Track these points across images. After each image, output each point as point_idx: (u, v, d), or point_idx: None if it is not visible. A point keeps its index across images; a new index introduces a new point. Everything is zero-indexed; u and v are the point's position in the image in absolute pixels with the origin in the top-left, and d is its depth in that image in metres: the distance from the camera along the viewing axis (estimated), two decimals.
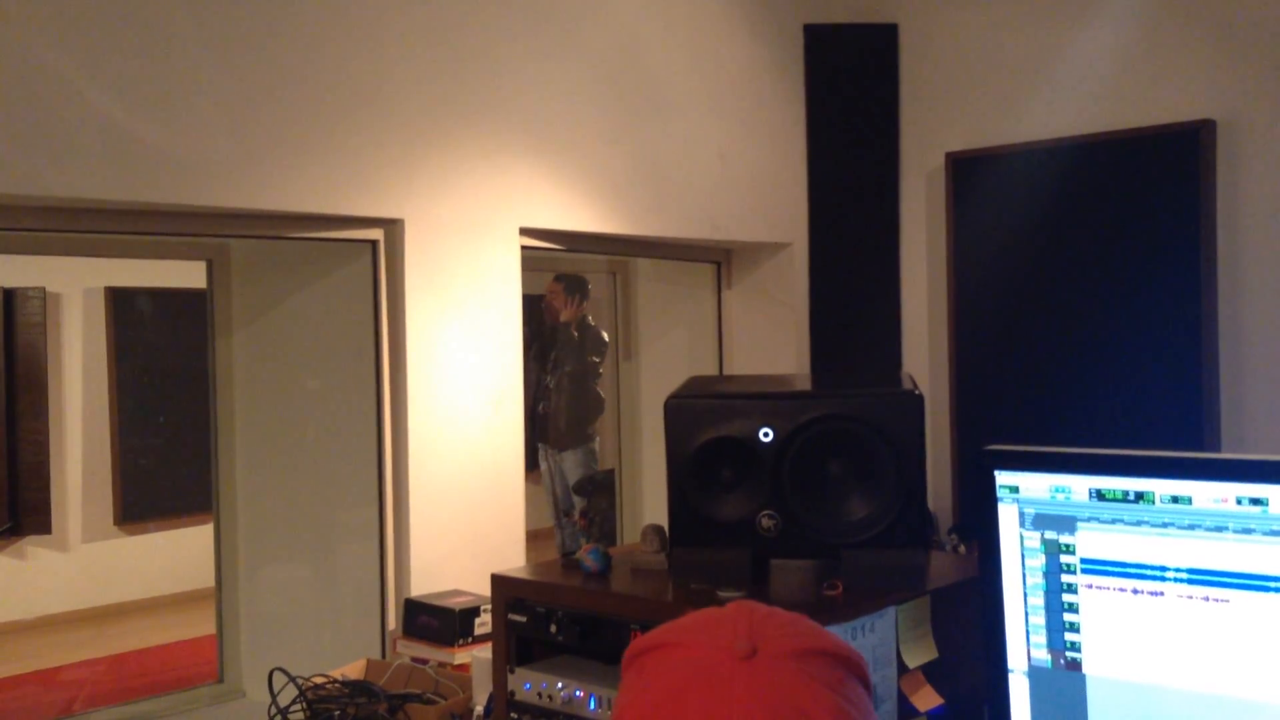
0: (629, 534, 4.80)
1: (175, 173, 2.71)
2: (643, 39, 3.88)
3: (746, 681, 0.93)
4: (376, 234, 3.18)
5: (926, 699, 1.85)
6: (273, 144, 2.88)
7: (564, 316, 6.42)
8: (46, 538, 7.30)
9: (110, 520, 7.58)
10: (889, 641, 1.84)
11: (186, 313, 7.49)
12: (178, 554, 7.53)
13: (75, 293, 7.44)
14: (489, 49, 3.37)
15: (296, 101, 2.93)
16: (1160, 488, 1.44)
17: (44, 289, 7.25)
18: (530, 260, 3.61)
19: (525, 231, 3.49)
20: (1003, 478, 1.56)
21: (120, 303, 7.56)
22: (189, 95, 2.73)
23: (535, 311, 6.67)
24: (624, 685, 1.02)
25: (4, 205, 2.62)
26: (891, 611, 1.85)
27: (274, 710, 2.50)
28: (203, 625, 6.64)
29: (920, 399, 1.94)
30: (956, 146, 4.31)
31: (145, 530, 7.65)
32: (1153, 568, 1.45)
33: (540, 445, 6.58)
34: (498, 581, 2.14)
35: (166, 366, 7.58)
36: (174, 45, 2.71)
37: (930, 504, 4.39)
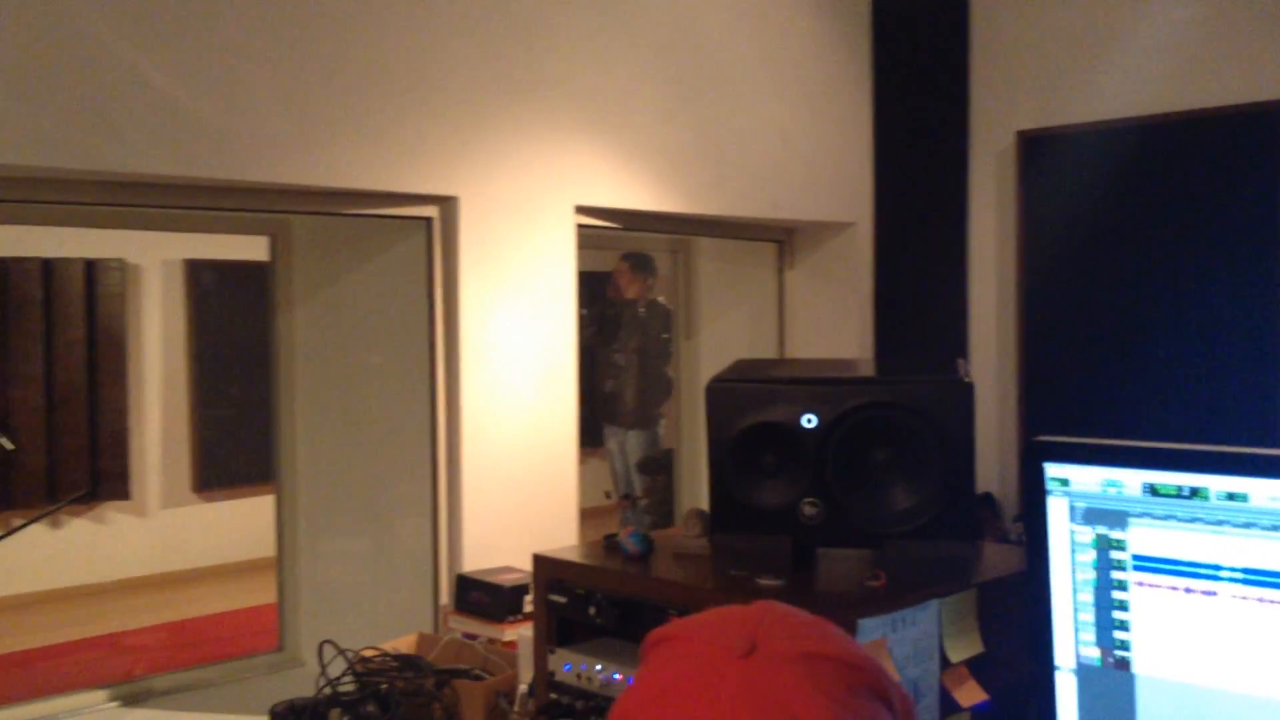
0: None
1: (234, 149, 2.74)
2: (703, 12, 3.83)
3: (738, 680, 0.90)
4: (431, 211, 3.19)
5: (970, 694, 1.81)
6: (330, 120, 2.89)
7: (629, 294, 6.41)
8: (125, 503, 7.49)
9: (188, 487, 7.76)
10: (931, 634, 1.80)
11: (262, 285, 7.61)
12: (250, 522, 7.68)
13: (154, 264, 7.61)
14: (546, 25, 3.35)
15: (354, 79, 2.94)
16: (1216, 484, 1.39)
17: (123, 261, 7.42)
18: (592, 238, 3.59)
19: (581, 210, 3.48)
20: (1053, 470, 1.51)
21: (198, 275, 7.71)
22: (247, 73, 2.76)
23: (599, 289, 6.68)
24: (635, 674, 1.00)
25: (69, 180, 2.67)
26: (934, 604, 1.80)
27: (323, 680, 2.53)
28: (273, 592, 6.78)
29: (970, 387, 1.88)
30: (1028, 125, 4.20)
31: (221, 498, 7.82)
32: (1206, 566, 1.40)
33: (606, 425, 6.59)
34: (539, 561, 2.14)
35: (241, 337, 7.72)
36: (232, 24, 2.73)
37: (996, 492, 4.31)
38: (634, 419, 6.45)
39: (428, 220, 3.18)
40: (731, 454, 1.93)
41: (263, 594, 6.90)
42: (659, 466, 6.03)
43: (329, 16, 2.90)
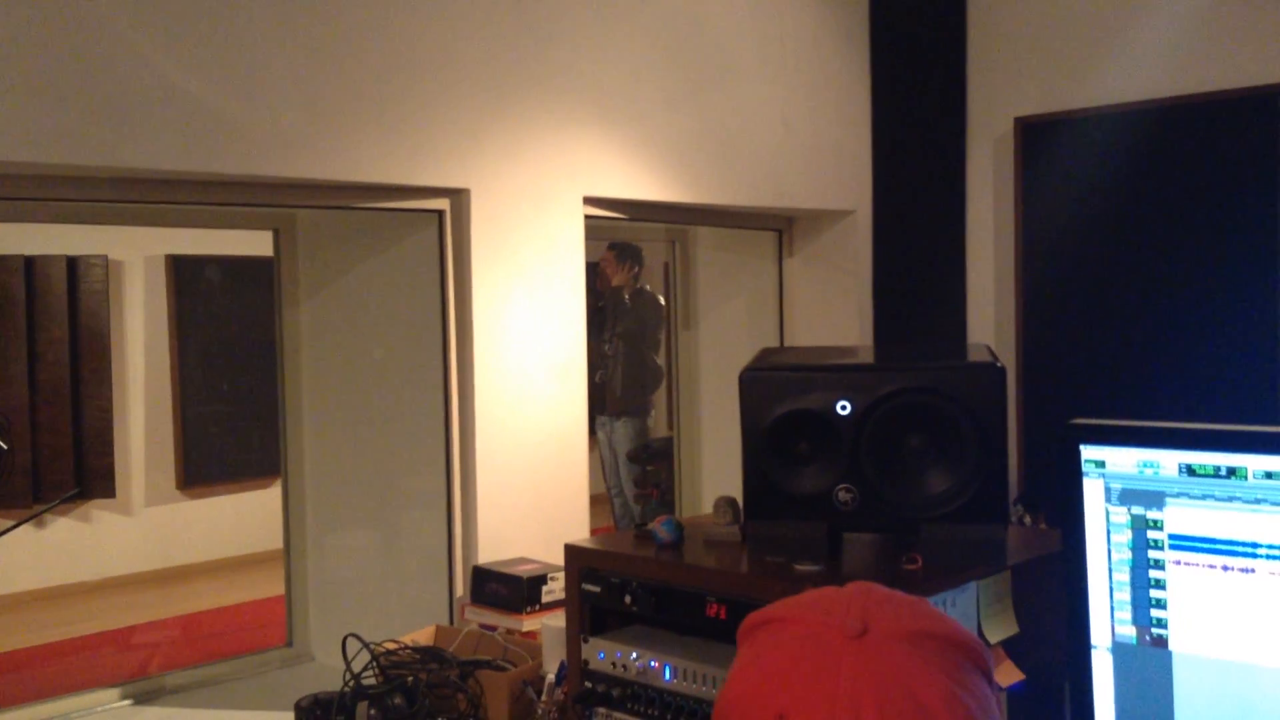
0: (688, 504, 4.80)
1: (242, 143, 2.72)
2: (705, 4, 3.84)
3: (855, 659, 0.92)
4: (442, 204, 3.18)
5: (1007, 674, 1.84)
6: (339, 114, 2.88)
7: (615, 282, 6.44)
8: (111, 501, 7.45)
9: (173, 484, 7.72)
10: (970, 617, 1.83)
11: (247, 280, 7.59)
12: (239, 517, 7.67)
13: (137, 260, 7.56)
14: (554, 18, 3.35)
15: (363, 72, 2.93)
16: (1253, 463, 1.42)
17: (106, 257, 7.34)
18: (591, 230, 3.60)
19: (589, 201, 3.48)
20: (1088, 452, 1.53)
21: (181, 270, 7.67)
22: (256, 66, 2.74)
23: (590, 279, 6.69)
24: (737, 658, 1.02)
25: (75, 177, 2.65)
26: (973, 587, 1.83)
27: (348, 675, 2.53)
28: (264, 587, 6.77)
29: (1002, 371, 1.91)
30: (1026, 111, 4.22)
31: (207, 494, 7.79)
32: (1244, 544, 1.43)
33: (598, 415, 6.61)
34: (571, 552, 2.15)
35: (228, 333, 7.69)
36: (241, 16, 2.72)
37: None
38: (622, 408, 6.47)
39: (439, 213, 3.18)
40: (766, 442, 1.94)
41: (252, 589, 6.91)
42: (653, 454, 6.06)
43: (339, 10, 2.89)
